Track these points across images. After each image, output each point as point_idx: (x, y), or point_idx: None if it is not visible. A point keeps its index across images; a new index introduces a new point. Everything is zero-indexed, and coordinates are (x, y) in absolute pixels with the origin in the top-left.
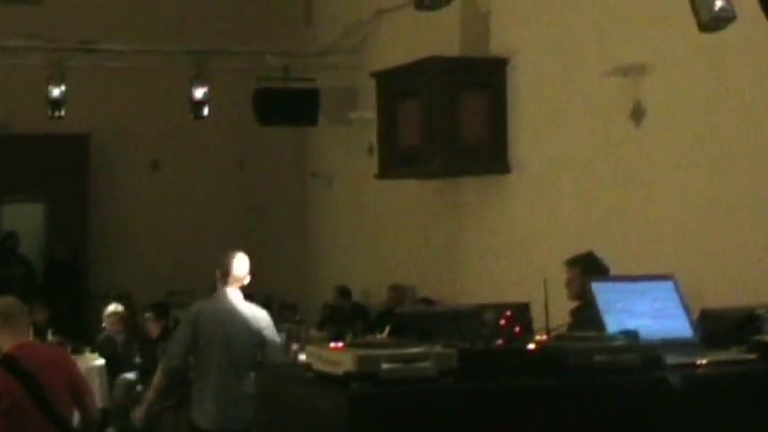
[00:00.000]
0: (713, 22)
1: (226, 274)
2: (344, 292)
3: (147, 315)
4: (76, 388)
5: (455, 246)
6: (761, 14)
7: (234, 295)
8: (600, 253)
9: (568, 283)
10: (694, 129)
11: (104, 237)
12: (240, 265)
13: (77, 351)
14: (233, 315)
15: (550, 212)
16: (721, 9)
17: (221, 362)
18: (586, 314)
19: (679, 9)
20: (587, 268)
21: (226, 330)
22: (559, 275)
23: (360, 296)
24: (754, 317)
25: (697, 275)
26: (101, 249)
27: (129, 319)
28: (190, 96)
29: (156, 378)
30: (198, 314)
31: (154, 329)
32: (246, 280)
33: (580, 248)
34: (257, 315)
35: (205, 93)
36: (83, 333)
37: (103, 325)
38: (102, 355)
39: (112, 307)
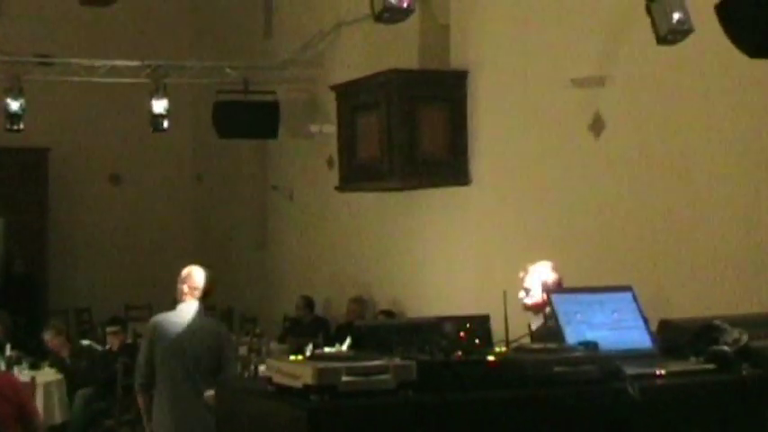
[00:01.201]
0: (671, 35)
1: (184, 288)
2: (309, 303)
3: (109, 329)
4: (24, 413)
5: (416, 258)
6: (718, 27)
7: (192, 309)
8: (558, 265)
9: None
10: (654, 139)
11: (63, 251)
12: (198, 278)
13: (35, 366)
14: (191, 328)
15: (510, 224)
16: (679, 22)
17: (178, 375)
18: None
19: (637, 22)
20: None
21: (183, 344)
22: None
23: (321, 309)
24: (712, 327)
25: (656, 287)
26: (59, 263)
27: (68, 335)
28: (149, 110)
29: (138, 400)
30: (155, 328)
31: (113, 343)
32: (203, 293)
33: (539, 260)
34: (216, 328)
35: (165, 106)
36: (41, 348)
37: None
38: (58, 372)
39: (49, 332)
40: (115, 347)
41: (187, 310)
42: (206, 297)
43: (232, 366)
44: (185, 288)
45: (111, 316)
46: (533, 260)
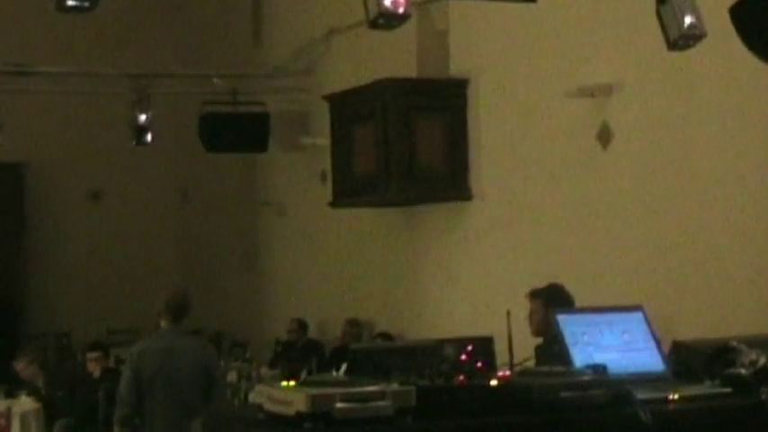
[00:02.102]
0: (682, 40)
1: (168, 311)
2: (302, 326)
3: (90, 354)
4: None
5: (414, 278)
6: (732, 31)
7: (177, 333)
8: (566, 284)
9: (530, 317)
10: (665, 152)
11: (41, 272)
12: (181, 300)
13: (11, 395)
14: (176, 354)
15: (514, 242)
16: (690, 26)
17: (166, 404)
18: (554, 349)
19: (647, 27)
20: (550, 300)
21: (169, 371)
22: (523, 308)
23: (314, 331)
24: (727, 349)
25: (668, 306)
26: (38, 285)
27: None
28: (132, 122)
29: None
30: (138, 355)
31: (95, 370)
32: (181, 313)
33: (545, 279)
34: (204, 353)
35: (148, 118)
36: (17, 375)
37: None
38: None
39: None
40: (96, 374)
41: (173, 334)
42: (184, 317)
43: (221, 386)
44: (171, 311)
45: (92, 340)
46: (539, 279)
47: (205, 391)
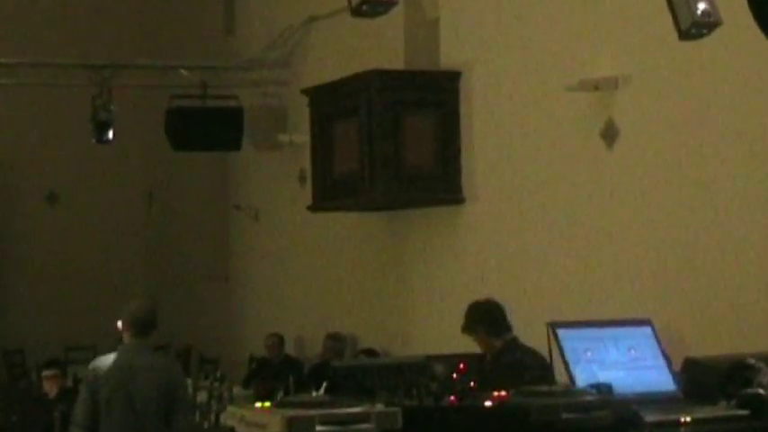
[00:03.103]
0: (695, 29)
1: (132, 325)
2: (279, 341)
3: (46, 373)
4: None
5: (401, 288)
6: (749, 18)
7: (139, 349)
8: (568, 295)
9: (481, 348)
10: (676, 151)
11: None
12: (147, 313)
13: None
14: (137, 373)
15: (510, 249)
16: (704, 13)
17: (125, 429)
18: (505, 359)
19: (656, 14)
20: (492, 323)
21: (129, 391)
22: (523, 321)
23: (292, 347)
24: (744, 366)
25: (679, 320)
26: None
27: None
28: (92, 117)
29: None
30: (96, 374)
31: (51, 389)
32: (147, 328)
33: (545, 290)
34: (167, 371)
35: (110, 113)
36: None
37: None
38: None
39: None
40: (52, 394)
41: (130, 349)
42: (150, 332)
43: (187, 411)
44: (133, 325)
45: (47, 358)
46: (539, 290)
47: (168, 414)
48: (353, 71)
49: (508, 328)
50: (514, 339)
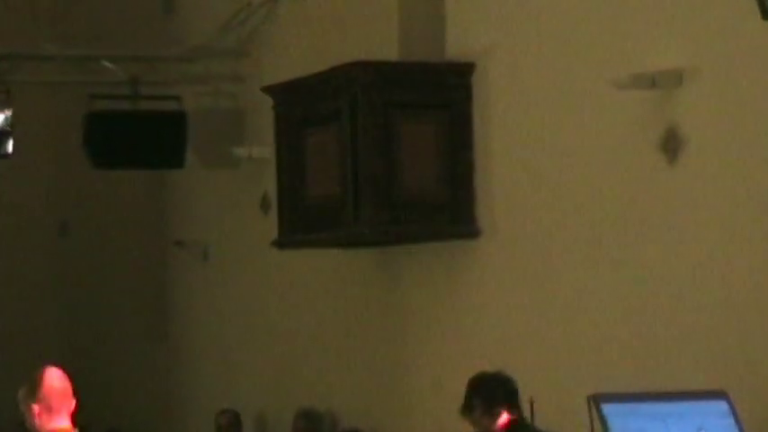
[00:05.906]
0: None
1: (35, 400)
2: (234, 421)
3: None
4: None
5: (395, 351)
6: None
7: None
8: (616, 356)
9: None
10: (756, 166)
11: None
12: (58, 385)
13: None
14: None
15: (540, 298)
16: None
17: None
18: None
19: None
20: (487, 400)
21: None
22: (549, 392)
23: (252, 428)
24: None
25: (764, 391)
26: None
27: None
28: None
29: None
30: None
31: None
32: (67, 409)
33: (585, 353)
34: None
35: (7, 118)
36: None
37: None
38: None
39: None
40: None
41: None
42: (61, 408)
43: None
44: (39, 400)
45: None
46: (576, 353)
47: None
48: (332, 63)
49: (512, 406)
50: (516, 421)
